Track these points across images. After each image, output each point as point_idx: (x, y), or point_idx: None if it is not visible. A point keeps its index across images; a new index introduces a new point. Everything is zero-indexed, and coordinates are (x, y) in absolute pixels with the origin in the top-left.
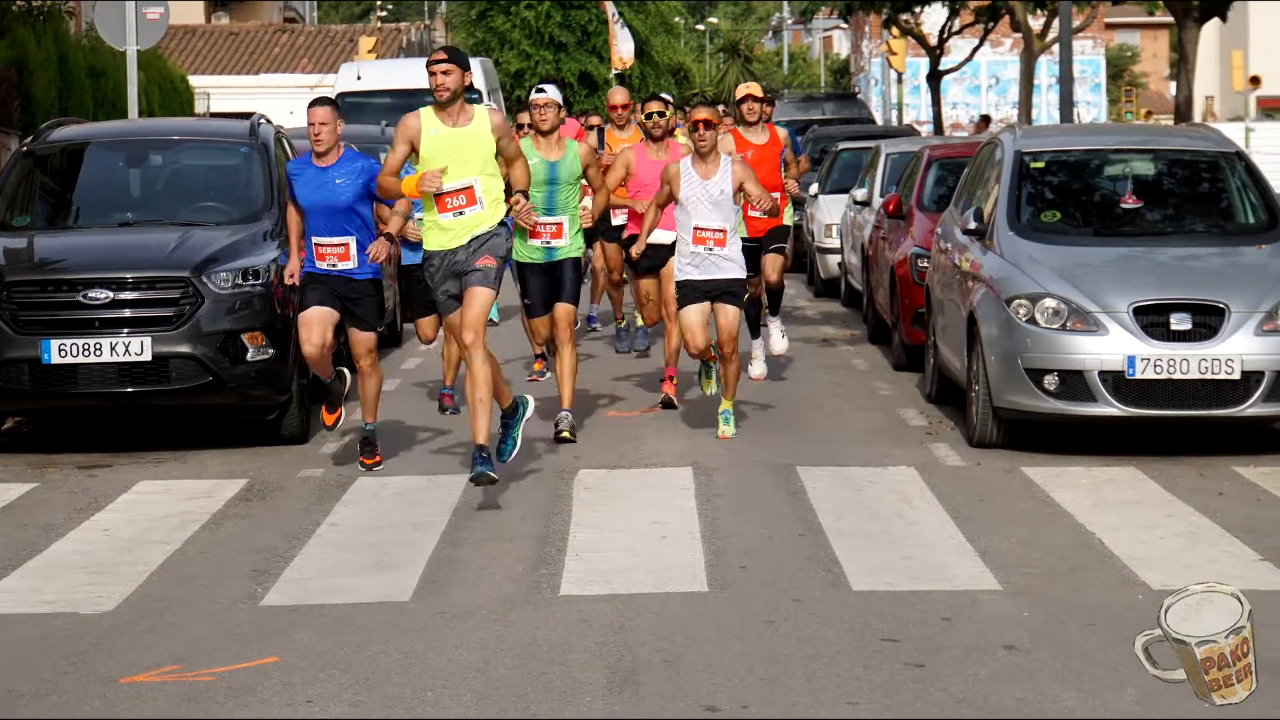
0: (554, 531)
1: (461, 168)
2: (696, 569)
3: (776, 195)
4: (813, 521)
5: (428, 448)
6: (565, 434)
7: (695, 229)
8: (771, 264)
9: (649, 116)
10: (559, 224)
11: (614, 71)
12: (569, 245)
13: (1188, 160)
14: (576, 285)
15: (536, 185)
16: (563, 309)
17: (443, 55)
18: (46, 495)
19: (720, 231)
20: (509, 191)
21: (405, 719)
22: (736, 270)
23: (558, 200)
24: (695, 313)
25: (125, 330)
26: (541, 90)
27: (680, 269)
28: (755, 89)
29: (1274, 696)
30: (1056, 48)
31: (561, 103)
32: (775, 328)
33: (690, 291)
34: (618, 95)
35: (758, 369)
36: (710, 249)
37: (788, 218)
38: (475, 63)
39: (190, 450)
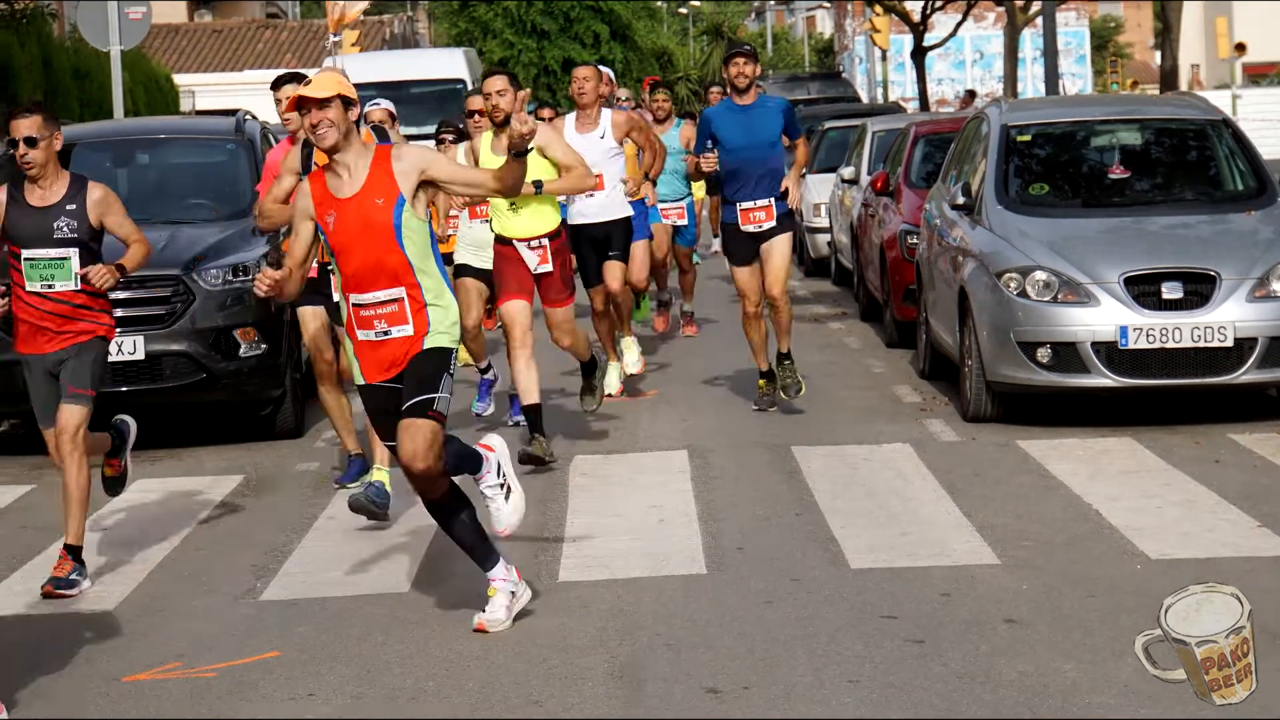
0: (551, 518)
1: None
2: (694, 551)
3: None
4: (809, 501)
5: None
6: None
7: None
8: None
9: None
10: None
11: (331, 36)
12: None
13: (1175, 129)
14: None
15: None
16: None
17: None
18: (44, 497)
19: None
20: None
21: (407, 714)
22: None
23: None
24: None
25: (117, 330)
26: None
27: None
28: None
29: (1274, 660)
30: (1040, 20)
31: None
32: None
33: None
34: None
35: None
36: None
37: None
38: (459, 53)
39: (186, 447)
